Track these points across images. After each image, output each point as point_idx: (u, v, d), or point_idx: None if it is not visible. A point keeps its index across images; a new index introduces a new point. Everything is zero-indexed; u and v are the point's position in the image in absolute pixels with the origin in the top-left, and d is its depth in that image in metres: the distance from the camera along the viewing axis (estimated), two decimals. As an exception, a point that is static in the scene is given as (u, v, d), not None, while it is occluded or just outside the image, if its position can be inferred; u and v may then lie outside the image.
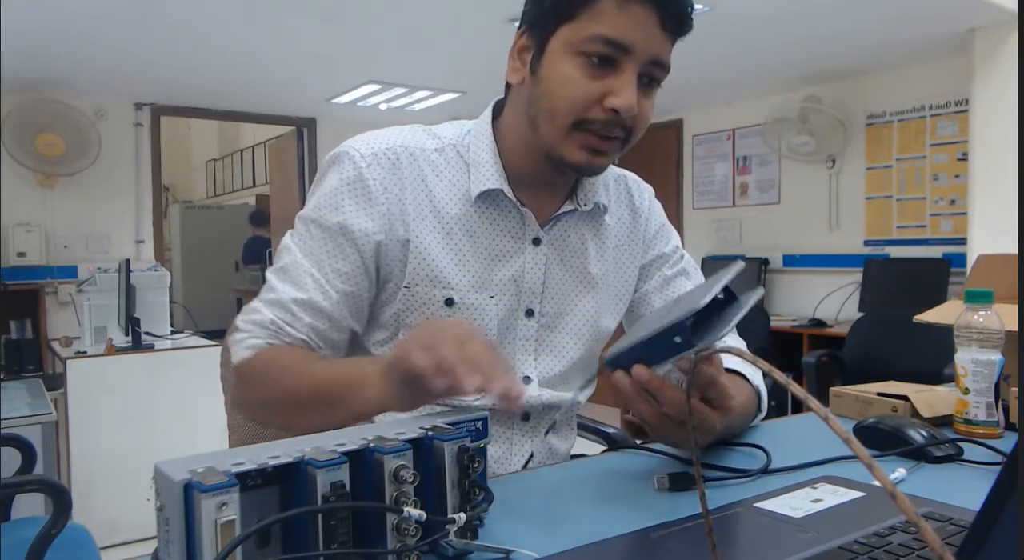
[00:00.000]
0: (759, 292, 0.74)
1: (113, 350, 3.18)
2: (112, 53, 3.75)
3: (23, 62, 3.80)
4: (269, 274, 0.96)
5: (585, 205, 1.02)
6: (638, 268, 1.11)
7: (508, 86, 0.98)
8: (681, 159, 5.48)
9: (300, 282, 0.92)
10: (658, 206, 1.16)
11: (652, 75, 0.89)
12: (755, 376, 1.02)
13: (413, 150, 0.97)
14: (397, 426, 0.61)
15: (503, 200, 0.98)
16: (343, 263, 0.93)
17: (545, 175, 0.97)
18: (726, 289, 0.72)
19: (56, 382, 3.12)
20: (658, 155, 5.56)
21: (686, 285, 1.12)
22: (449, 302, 0.95)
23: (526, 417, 1.02)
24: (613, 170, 1.11)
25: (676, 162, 5.50)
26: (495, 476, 0.95)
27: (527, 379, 1.01)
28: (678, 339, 0.67)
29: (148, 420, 3.13)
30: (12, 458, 1.68)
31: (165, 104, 4.91)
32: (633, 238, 1.10)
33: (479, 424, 0.63)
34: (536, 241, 0.99)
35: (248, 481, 0.52)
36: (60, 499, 0.58)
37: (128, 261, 3.48)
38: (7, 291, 4.26)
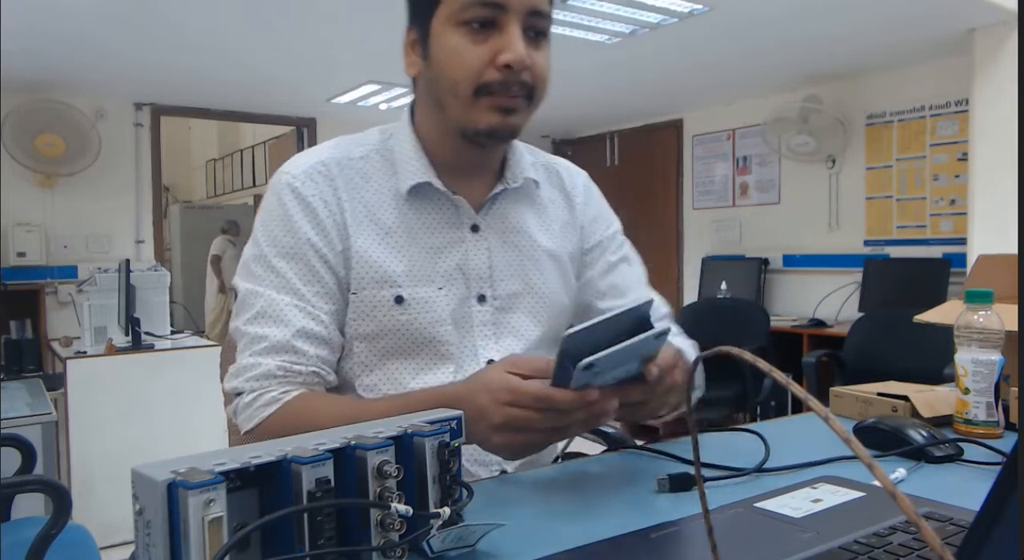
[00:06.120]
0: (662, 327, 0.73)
1: (113, 350, 3.18)
2: (112, 53, 3.75)
3: (23, 62, 3.80)
4: (244, 326, 0.92)
5: (514, 182, 1.02)
6: (580, 252, 1.11)
7: (414, 83, 1.00)
8: (681, 159, 5.48)
9: (286, 319, 0.91)
10: (595, 190, 1.16)
11: (536, 27, 0.91)
12: (689, 350, 1.04)
13: (340, 160, 0.98)
14: (375, 426, 0.62)
15: (433, 192, 0.98)
16: (318, 285, 0.93)
17: (469, 159, 0.98)
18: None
19: (56, 382, 3.12)
20: (658, 155, 5.57)
21: (628, 272, 1.13)
22: (399, 299, 0.95)
23: None
24: (543, 156, 1.12)
25: (676, 162, 5.50)
26: (492, 476, 0.95)
27: (492, 363, 1.01)
28: (568, 366, 0.69)
29: (148, 420, 3.13)
30: (12, 458, 1.68)
31: (165, 104, 4.91)
32: (571, 222, 1.11)
33: (454, 423, 0.64)
34: (475, 228, 1.00)
35: (231, 481, 0.51)
36: (60, 499, 0.57)
37: (128, 261, 3.49)
38: (7, 291, 4.26)
